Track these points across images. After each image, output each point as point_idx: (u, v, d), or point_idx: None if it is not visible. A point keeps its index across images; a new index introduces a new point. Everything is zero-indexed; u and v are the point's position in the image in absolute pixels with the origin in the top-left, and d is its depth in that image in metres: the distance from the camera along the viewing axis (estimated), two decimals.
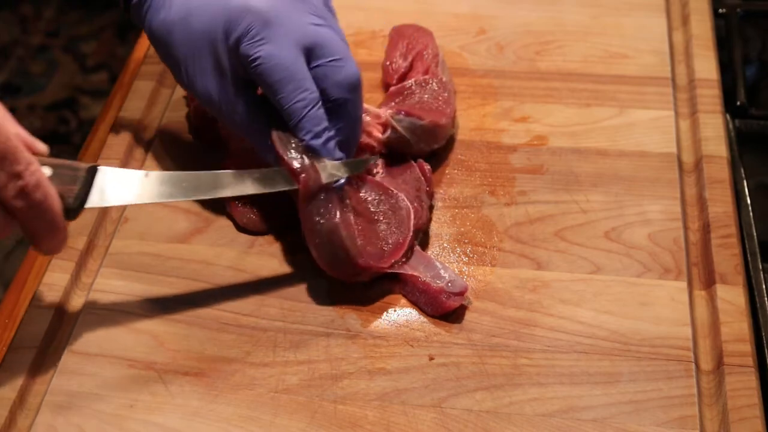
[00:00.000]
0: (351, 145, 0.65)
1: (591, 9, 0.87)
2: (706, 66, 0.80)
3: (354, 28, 0.87)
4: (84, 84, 2.02)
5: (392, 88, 0.75)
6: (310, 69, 0.62)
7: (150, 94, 0.80)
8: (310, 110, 0.61)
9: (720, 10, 0.87)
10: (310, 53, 0.62)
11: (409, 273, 0.64)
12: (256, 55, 0.61)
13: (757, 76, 0.87)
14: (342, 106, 0.63)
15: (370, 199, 0.66)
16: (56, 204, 0.55)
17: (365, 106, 0.69)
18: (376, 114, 0.71)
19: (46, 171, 0.56)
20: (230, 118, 0.64)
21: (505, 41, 0.85)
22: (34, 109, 1.95)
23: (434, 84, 0.74)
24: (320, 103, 0.62)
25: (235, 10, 0.61)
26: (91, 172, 0.59)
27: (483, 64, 0.83)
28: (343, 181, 0.63)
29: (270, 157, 0.64)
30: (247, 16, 0.61)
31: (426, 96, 0.73)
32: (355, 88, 0.64)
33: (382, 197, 0.67)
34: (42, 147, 0.56)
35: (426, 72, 0.76)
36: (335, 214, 0.62)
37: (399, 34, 0.81)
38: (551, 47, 0.84)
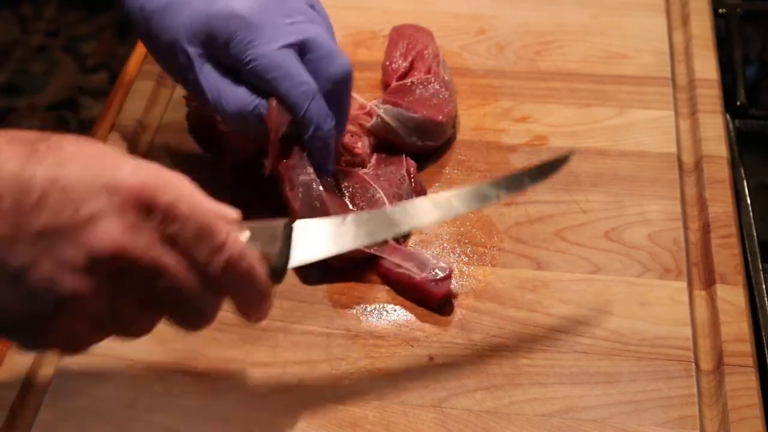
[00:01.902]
0: (340, 132, 0.67)
1: (591, 9, 0.87)
2: (706, 66, 0.80)
3: (354, 28, 0.87)
4: (84, 84, 2.01)
5: (393, 85, 0.75)
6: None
7: (150, 94, 0.80)
8: (311, 102, 0.63)
9: (720, 10, 0.87)
10: (299, 50, 0.63)
11: (394, 270, 0.64)
12: (248, 58, 0.62)
13: (757, 76, 0.87)
14: (333, 97, 0.65)
15: (350, 189, 0.68)
16: (262, 271, 0.50)
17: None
18: (362, 104, 0.72)
19: (244, 235, 0.51)
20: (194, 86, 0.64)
21: (505, 41, 0.85)
22: (34, 110, 1.95)
23: (435, 83, 0.74)
24: (318, 94, 0.63)
25: (217, 17, 0.62)
26: (288, 228, 0.54)
27: (483, 64, 0.83)
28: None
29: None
30: (230, 21, 0.62)
31: (426, 93, 0.74)
32: (345, 80, 0.65)
33: (359, 189, 0.68)
34: (233, 213, 0.50)
35: (428, 72, 0.76)
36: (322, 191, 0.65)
37: (399, 34, 0.81)
38: (551, 47, 0.84)
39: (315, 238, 0.56)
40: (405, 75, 0.77)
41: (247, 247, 0.50)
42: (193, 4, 0.63)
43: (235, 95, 0.63)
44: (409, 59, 0.78)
